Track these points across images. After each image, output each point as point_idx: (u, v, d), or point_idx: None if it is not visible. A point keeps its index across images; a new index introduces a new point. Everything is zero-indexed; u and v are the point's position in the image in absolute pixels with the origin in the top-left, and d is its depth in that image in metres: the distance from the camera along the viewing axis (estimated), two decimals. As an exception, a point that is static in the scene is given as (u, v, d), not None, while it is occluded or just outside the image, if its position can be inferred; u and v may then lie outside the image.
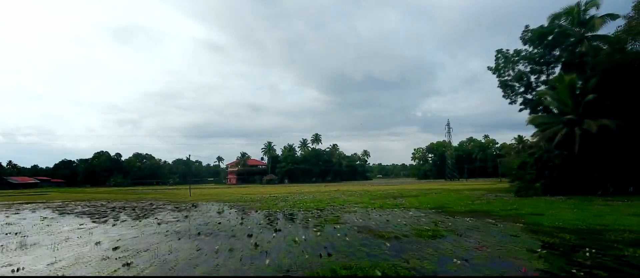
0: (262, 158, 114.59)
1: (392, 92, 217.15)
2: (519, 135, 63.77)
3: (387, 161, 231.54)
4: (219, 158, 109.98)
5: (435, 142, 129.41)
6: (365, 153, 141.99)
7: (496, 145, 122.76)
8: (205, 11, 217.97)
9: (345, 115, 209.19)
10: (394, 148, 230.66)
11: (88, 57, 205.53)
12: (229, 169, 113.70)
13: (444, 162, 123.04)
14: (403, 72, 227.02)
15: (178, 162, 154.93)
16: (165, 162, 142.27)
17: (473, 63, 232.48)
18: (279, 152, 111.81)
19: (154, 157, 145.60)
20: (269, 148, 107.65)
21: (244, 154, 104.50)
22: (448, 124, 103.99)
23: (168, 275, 5.92)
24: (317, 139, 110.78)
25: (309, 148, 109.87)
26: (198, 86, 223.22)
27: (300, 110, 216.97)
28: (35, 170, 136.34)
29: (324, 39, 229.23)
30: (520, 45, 26.81)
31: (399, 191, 32.87)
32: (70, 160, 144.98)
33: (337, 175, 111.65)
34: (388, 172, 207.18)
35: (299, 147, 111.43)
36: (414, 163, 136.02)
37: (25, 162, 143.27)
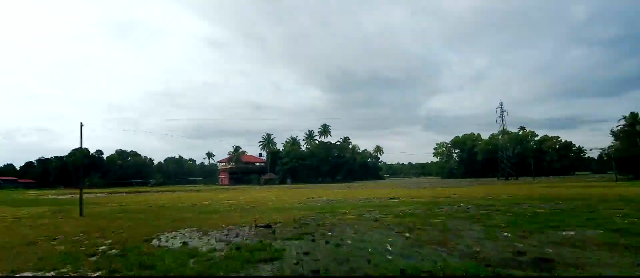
0: (260, 155, 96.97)
1: (396, 90, 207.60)
2: (632, 113, 44.65)
3: (390, 160, 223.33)
4: (209, 155, 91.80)
5: (460, 135, 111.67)
6: (378, 149, 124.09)
7: (535, 138, 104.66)
8: (207, 8, 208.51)
9: (348, 113, 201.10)
10: (398, 147, 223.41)
11: (87, 55, 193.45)
12: (221, 167, 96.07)
13: (474, 157, 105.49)
14: (408, 69, 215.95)
15: (170, 160, 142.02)
16: (151, 160, 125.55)
17: (480, 60, 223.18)
18: (280, 146, 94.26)
19: (139, 155, 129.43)
20: (268, 142, 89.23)
21: (237, 148, 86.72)
22: (500, 107, 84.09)
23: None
24: (325, 130, 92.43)
25: (316, 142, 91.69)
26: (199, 84, 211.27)
27: (303, 109, 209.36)
28: (1, 170, 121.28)
29: (328, 36, 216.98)
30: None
31: (468, 197, 17.64)
32: (48, 159, 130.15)
33: (349, 173, 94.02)
34: (396, 171, 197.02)
35: (304, 140, 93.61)
36: (437, 160, 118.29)
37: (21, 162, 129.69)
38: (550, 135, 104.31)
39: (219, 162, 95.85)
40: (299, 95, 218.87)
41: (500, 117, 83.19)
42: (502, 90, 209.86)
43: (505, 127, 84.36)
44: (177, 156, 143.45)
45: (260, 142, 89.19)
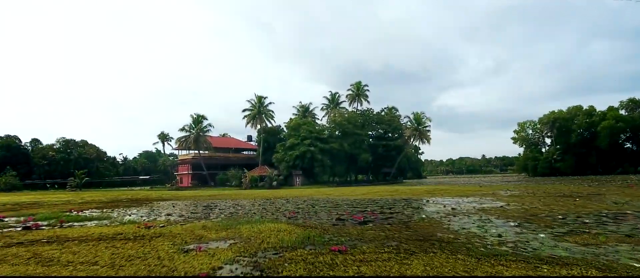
0: (249, 138, 58.76)
1: (410, 84, 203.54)
2: None
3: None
4: (163, 138, 53.62)
5: (564, 109, 72.12)
6: (422, 134, 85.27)
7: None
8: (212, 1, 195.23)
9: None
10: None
11: (86, 51, 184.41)
12: (180, 157, 57.90)
13: (590, 143, 66.39)
14: (424, 63, 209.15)
15: (143, 155, 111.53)
16: (102, 152, 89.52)
17: (501, 53, 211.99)
18: (280, 122, 54.72)
19: (93, 145, 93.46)
20: (258, 111, 48.28)
21: (198, 119, 46.29)
22: None
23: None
24: (359, 92, 52.19)
25: (344, 112, 52.16)
26: (202, 81, 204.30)
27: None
28: None
29: (342, 26, 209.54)
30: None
31: None
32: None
33: (399, 170, 55.59)
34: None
35: (322, 109, 54.17)
36: (523, 153, 79.05)
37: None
38: None
39: (176, 148, 57.22)
40: (306, 92, 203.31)
41: None
42: (519, 84, 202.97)
43: None
44: (154, 150, 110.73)
45: (245, 111, 48.67)
